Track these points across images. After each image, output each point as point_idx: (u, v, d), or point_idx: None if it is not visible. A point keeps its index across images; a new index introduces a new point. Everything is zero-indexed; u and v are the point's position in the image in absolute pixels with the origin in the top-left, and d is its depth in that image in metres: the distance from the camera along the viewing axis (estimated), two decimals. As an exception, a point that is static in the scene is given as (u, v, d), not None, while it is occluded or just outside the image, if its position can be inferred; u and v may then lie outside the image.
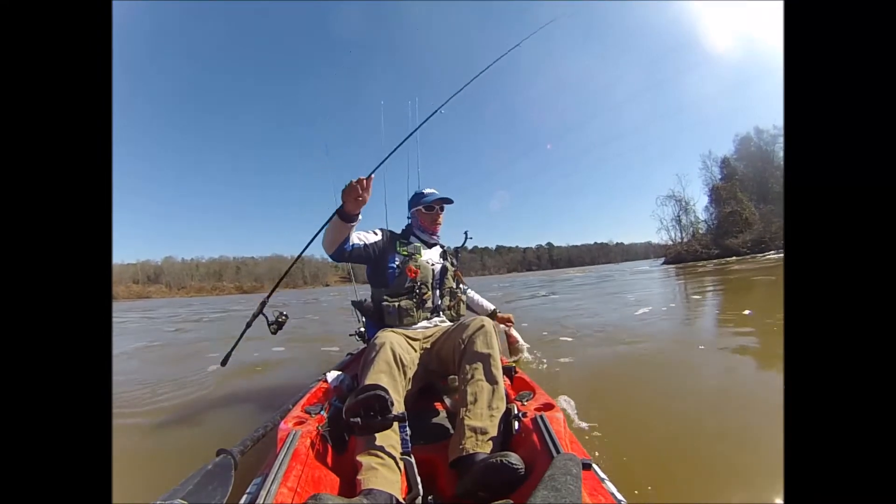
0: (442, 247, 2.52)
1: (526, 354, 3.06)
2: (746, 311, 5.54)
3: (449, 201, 2.44)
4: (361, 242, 2.16)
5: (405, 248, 2.27)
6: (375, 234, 2.27)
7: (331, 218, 1.95)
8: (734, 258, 31.49)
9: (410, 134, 2.39)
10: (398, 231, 2.49)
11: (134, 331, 10.80)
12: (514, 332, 2.87)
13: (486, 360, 1.65)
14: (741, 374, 3.07)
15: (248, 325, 2.11)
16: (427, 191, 2.47)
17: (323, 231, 2.04)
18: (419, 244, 2.35)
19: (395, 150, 2.29)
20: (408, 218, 2.55)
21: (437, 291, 2.26)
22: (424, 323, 2.11)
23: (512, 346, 2.87)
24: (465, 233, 2.66)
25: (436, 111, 2.50)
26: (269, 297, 2.17)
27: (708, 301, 8.53)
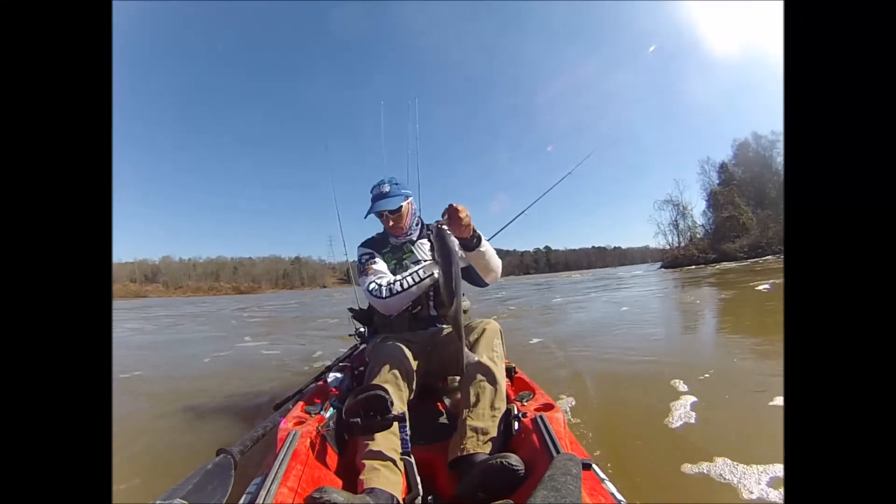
0: (429, 237, 2.13)
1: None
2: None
3: (391, 211, 2.06)
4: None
5: (389, 257, 2.10)
6: (377, 258, 2.08)
7: (420, 281, 1.86)
8: (733, 263, 31.71)
9: (532, 203, 2.44)
10: (378, 233, 2.28)
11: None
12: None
13: (490, 362, 1.64)
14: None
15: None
16: (376, 190, 2.11)
17: (398, 296, 1.87)
18: (402, 243, 2.15)
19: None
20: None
21: (432, 303, 2.08)
22: (422, 332, 2.03)
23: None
24: None
25: (522, 213, 2.54)
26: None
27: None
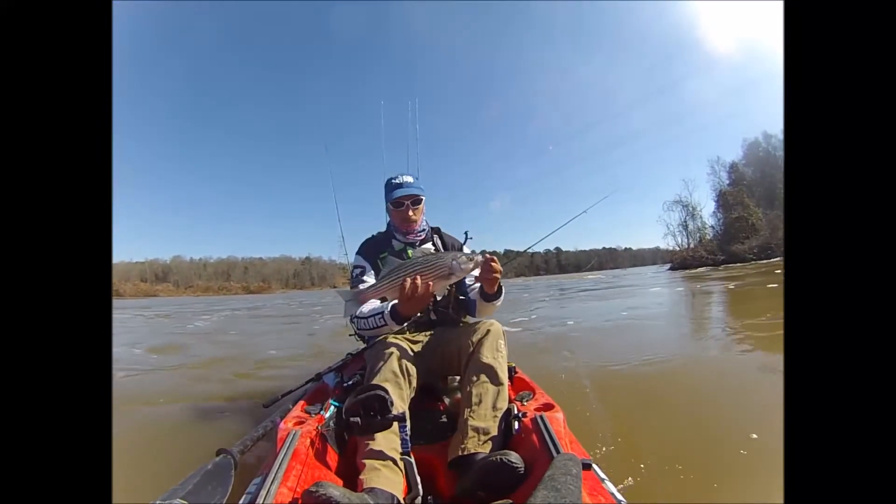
0: (435, 240, 2.20)
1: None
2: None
3: (415, 198, 2.06)
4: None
5: (386, 260, 1.97)
6: (368, 275, 2.02)
7: (378, 328, 1.80)
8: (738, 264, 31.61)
9: (555, 230, 2.46)
10: (380, 232, 2.24)
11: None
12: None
13: (494, 363, 1.64)
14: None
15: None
16: (398, 179, 2.08)
17: (362, 330, 1.92)
18: (403, 246, 2.10)
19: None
20: (386, 209, 2.19)
21: (431, 311, 2.05)
22: (423, 332, 2.02)
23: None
24: (466, 233, 2.31)
25: (530, 247, 2.65)
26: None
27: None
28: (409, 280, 1.57)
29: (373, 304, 1.87)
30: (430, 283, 1.60)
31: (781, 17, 0.80)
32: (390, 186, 2.09)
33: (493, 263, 1.69)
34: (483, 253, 1.72)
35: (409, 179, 2.09)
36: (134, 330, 11.14)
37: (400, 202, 2.04)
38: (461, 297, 2.05)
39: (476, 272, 1.72)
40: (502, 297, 1.91)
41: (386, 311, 1.75)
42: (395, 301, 1.71)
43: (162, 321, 14.17)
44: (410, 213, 2.05)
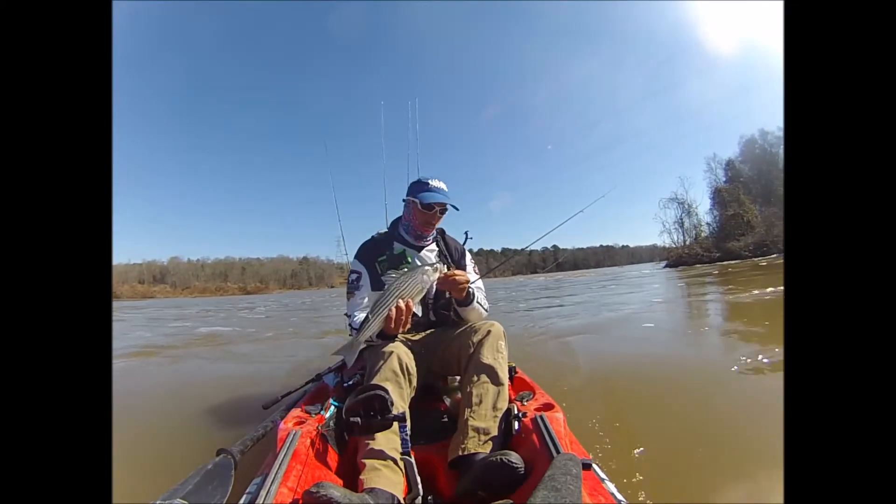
0: (438, 243, 2.21)
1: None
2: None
3: (444, 207, 2.06)
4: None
5: (385, 265, 2.00)
6: (364, 281, 2.02)
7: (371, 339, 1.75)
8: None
9: (551, 230, 2.33)
10: (382, 231, 2.22)
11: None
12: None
13: (494, 363, 1.65)
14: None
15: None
16: (433, 183, 2.07)
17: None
18: (403, 249, 2.08)
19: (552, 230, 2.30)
20: (403, 201, 2.18)
21: (431, 311, 2.05)
22: (423, 332, 2.02)
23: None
24: (466, 233, 2.31)
25: (526, 247, 2.58)
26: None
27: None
28: (394, 309, 1.61)
29: (361, 314, 1.90)
30: (410, 301, 1.65)
31: (782, 17, 0.81)
32: (423, 187, 2.07)
33: (447, 276, 1.78)
34: (443, 263, 1.86)
35: (444, 187, 2.09)
36: (206, 320, 12.77)
37: (432, 206, 2.02)
38: None
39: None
40: (474, 303, 1.95)
41: (374, 336, 1.75)
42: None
43: (213, 313, 15.95)
44: (432, 219, 2.06)
